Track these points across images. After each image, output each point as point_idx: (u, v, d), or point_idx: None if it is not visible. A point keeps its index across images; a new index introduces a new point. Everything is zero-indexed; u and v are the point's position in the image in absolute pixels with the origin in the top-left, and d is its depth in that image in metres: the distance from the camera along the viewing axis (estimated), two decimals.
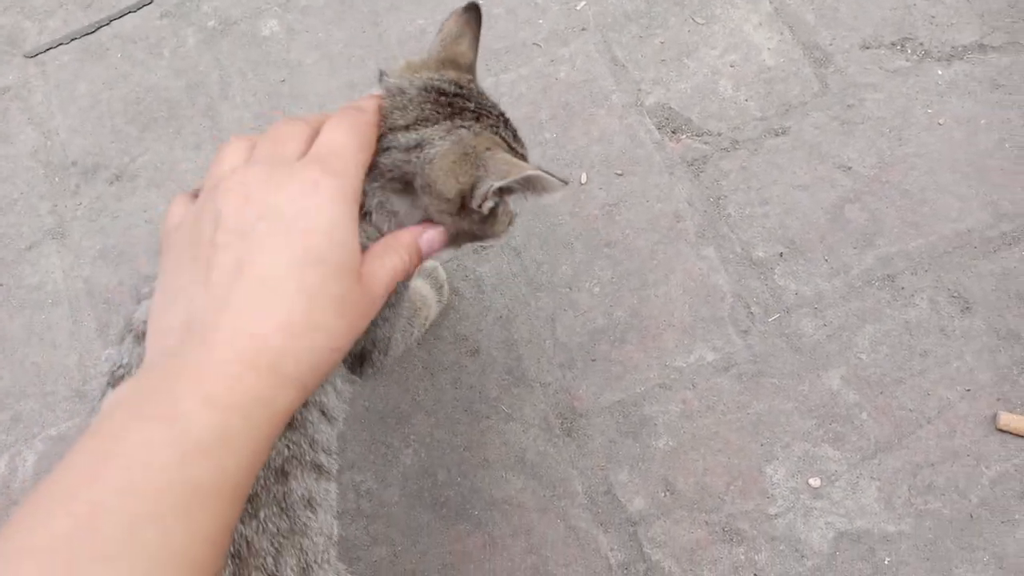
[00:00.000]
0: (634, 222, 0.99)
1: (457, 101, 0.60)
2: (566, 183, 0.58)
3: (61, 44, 1.20)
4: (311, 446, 0.59)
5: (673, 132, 1.04)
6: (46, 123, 1.14)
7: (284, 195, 0.43)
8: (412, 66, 0.64)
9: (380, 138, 0.57)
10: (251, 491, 0.53)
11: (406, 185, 0.57)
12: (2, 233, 1.07)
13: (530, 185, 0.58)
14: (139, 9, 1.21)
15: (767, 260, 0.95)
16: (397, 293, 0.67)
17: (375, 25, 1.15)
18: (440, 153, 0.56)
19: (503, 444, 0.89)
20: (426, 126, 0.57)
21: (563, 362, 0.93)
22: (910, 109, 1.02)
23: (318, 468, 0.60)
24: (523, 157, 0.63)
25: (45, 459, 0.93)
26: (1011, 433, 0.84)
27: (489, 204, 0.58)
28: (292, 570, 0.55)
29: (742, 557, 0.82)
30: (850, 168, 0.99)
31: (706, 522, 0.84)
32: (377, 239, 0.55)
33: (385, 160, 0.56)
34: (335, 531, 0.64)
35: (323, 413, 0.61)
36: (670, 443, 0.88)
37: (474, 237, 0.64)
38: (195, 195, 0.50)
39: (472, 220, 0.60)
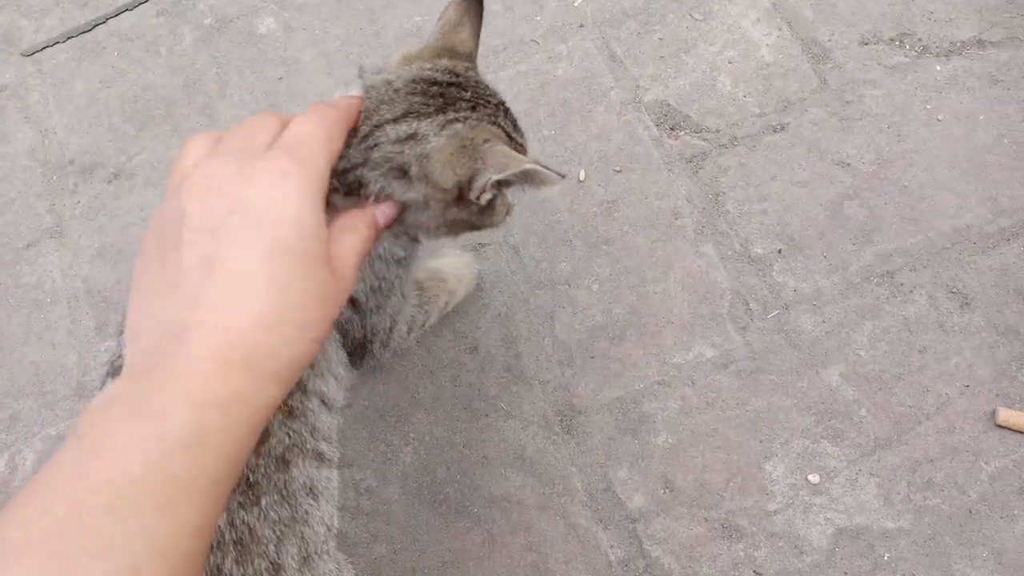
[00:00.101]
0: (633, 219, 0.99)
1: (451, 91, 0.59)
2: (563, 177, 0.58)
3: (58, 43, 1.19)
4: (312, 434, 0.59)
5: (672, 129, 1.04)
6: (43, 122, 1.14)
7: (255, 187, 0.43)
8: (408, 58, 0.63)
9: (367, 135, 0.57)
10: (252, 479, 0.54)
11: (403, 173, 0.57)
12: (0, 232, 1.07)
13: (528, 178, 0.58)
14: (136, 7, 1.20)
15: (766, 257, 0.95)
16: (388, 282, 0.66)
17: (372, 23, 1.15)
18: (436, 148, 0.56)
19: (502, 441, 0.89)
20: (417, 119, 0.57)
21: (562, 359, 0.93)
22: (909, 105, 1.02)
23: (319, 456, 0.60)
24: (522, 147, 0.63)
25: (44, 458, 0.93)
26: (1010, 429, 0.84)
27: (487, 196, 0.59)
28: (293, 559, 0.56)
29: (741, 553, 0.82)
30: (849, 164, 0.99)
31: (705, 519, 0.84)
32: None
33: (376, 155, 0.56)
34: (335, 521, 0.64)
35: (323, 402, 0.61)
36: (669, 440, 0.88)
37: (472, 227, 0.64)
38: None
39: (470, 211, 0.61)
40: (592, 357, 0.92)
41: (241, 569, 0.52)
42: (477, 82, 0.63)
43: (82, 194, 1.08)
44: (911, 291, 0.92)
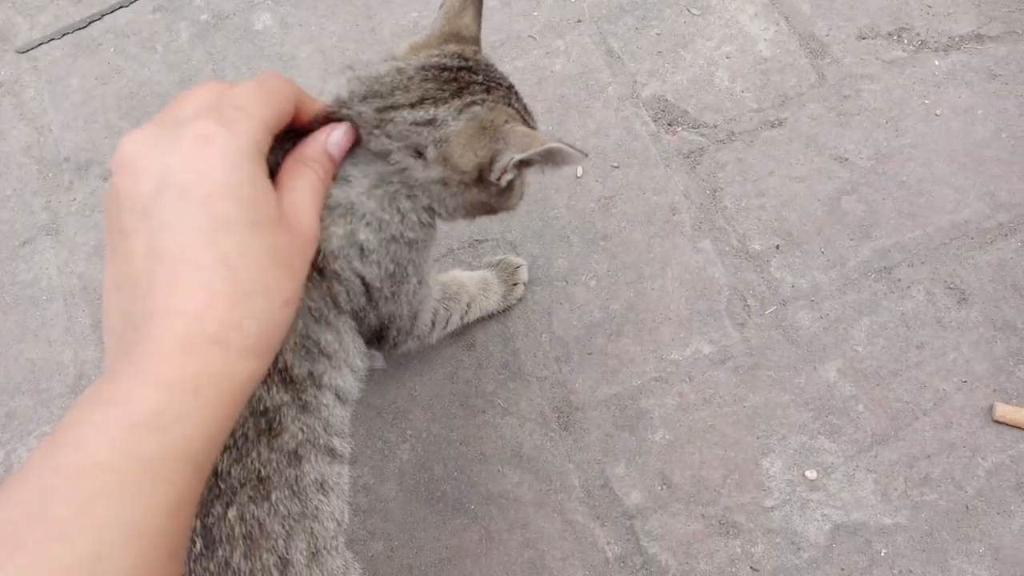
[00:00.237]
0: (630, 215, 0.99)
1: (463, 75, 0.59)
2: (586, 155, 0.58)
3: (53, 39, 1.19)
4: (325, 429, 0.59)
5: (669, 124, 1.04)
6: (39, 119, 1.13)
7: (174, 159, 0.40)
8: (415, 46, 0.63)
9: (382, 110, 0.56)
10: (264, 473, 0.53)
11: (419, 154, 0.57)
12: None
13: (550, 158, 0.58)
14: (131, 3, 1.20)
15: (763, 252, 0.95)
16: (403, 267, 0.64)
17: (368, 19, 1.15)
18: (456, 131, 0.57)
19: (499, 438, 0.89)
20: (434, 105, 0.57)
21: (559, 356, 0.93)
22: (907, 100, 1.01)
23: (331, 452, 0.60)
24: (534, 128, 0.63)
25: None
26: (1007, 424, 0.84)
27: (508, 177, 0.59)
28: (302, 554, 0.56)
29: (738, 550, 0.82)
30: (847, 160, 0.99)
31: (702, 515, 0.84)
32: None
33: (391, 129, 0.56)
34: (345, 517, 0.63)
35: (338, 396, 0.61)
36: (666, 436, 0.88)
37: (488, 209, 0.64)
38: None
39: (489, 192, 0.61)
40: (590, 353, 0.92)
41: (249, 563, 0.52)
42: (487, 65, 0.63)
43: (78, 191, 1.08)
44: (909, 287, 0.91)
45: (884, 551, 0.81)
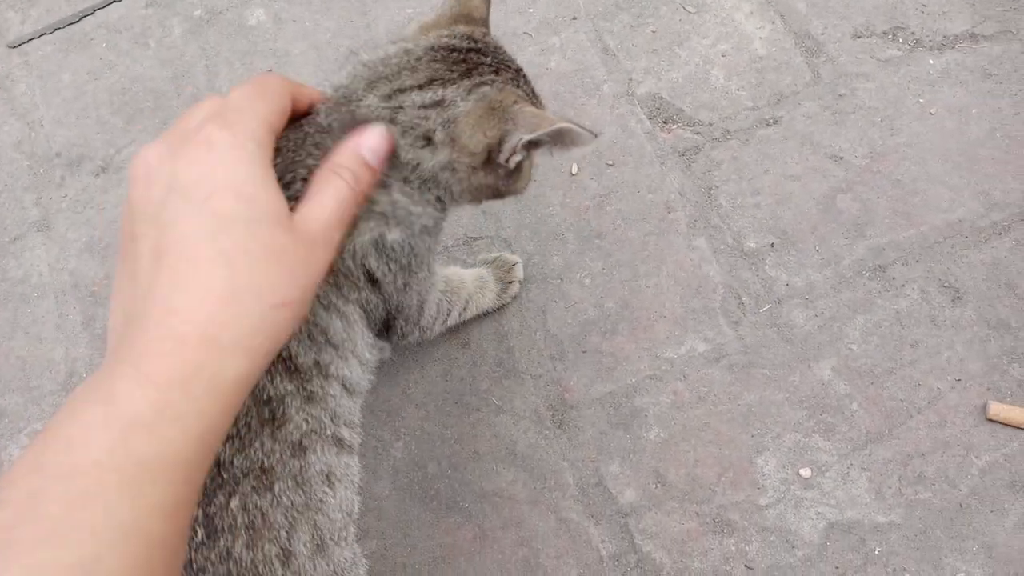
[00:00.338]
0: (625, 213, 0.98)
1: (472, 56, 0.59)
2: (596, 135, 0.58)
3: (44, 34, 1.18)
4: (332, 420, 0.59)
5: (664, 122, 1.04)
6: (30, 114, 1.12)
7: (180, 163, 0.42)
8: (425, 27, 0.63)
9: (389, 96, 0.56)
10: (267, 464, 0.53)
11: (428, 140, 0.57)
12: None
13: (559, 138, 0.58)
14: None
15: (758, 251, 0.95)
16: (418, 257, 0.63)
17: (363, 15, 1.14)
18: (465, 112, 0.56)
19: (494, 436, 0.89)
20: (443, 86, 0.57)
21: (554, 354, 0.92)
22: (902, 99, 1.01)
23: (339, 442, 0.60)
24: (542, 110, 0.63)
25: None
26: (1001, 423, 0.84)
27: (517, 158, 0.58)
28: (305, 546, 0.55)
29: (733, 548, 0.82)
30: (842, 158, 0.99)
31: (697, 513, 0.84)
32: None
33: (402, 117, 0.56)
34: (356, 508, 0.63)
35: (345, 387, 0.60)
36: (661, 434, 0.87)
37: (496, 192, 0.63)
38: None
39: (497, 175, 0.60)
40: (584, 351, 0.92)
41: (251, 553, 0.52)
42: (496, 47, 0.63)
43: (69, 187, 1.07)
44: (903, 285, 0.92)
45: (878, 549, 0.81)
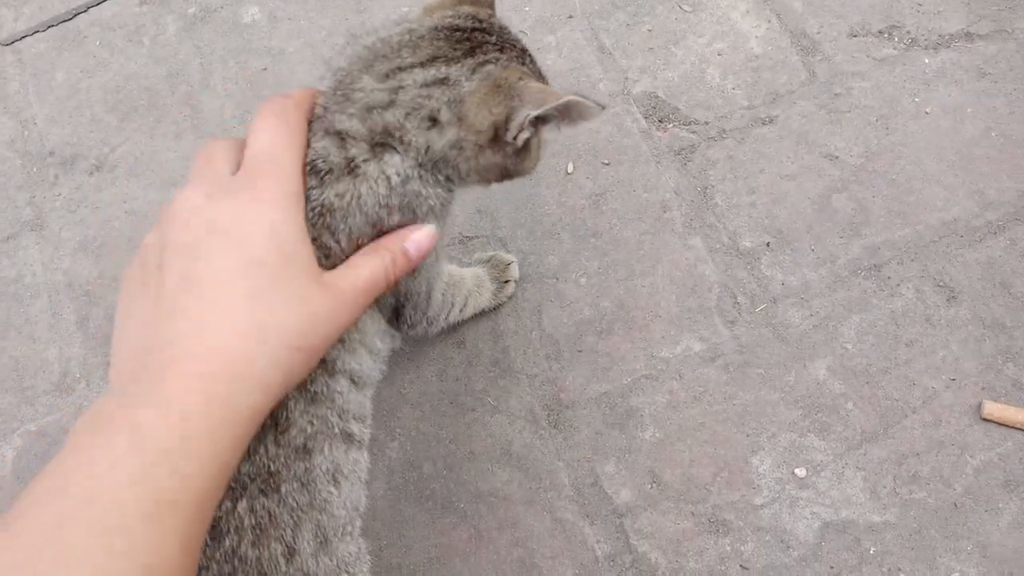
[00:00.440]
0: (621, 212, 0.98)
1: (476, 36, 0.59)
2: (603, 107, 0.57)
3: (37, 31, 1.17)
4: (340, 416, 0.59)
5: (660, 121, 1.03)
6: (23, 112, 1.12)
7: (224, 208, 0.44)
8: (429, 8, 0.63)
9: (387, 75, 0.56)
10: (273, 468, 0.54)
11: (434, 121, 0.56)
12: None
13: (567, 113, 0.57)
14: None
15: (754, 250, 0.95)
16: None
17: (359, 12, 1.14)
18: (470, 91, 0.56)
19: (489, 436, 0.89)
20: (446, 64, 0.56)
21: (549, 353, 0.92)
22: (897, 98, 1.01)
23: (348, 438, 0.60)
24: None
25: (24, 455, 0.92)
26: (995, 422, 0.84)
27: (525, 135, 0.58)
28: (309, 543, 0.56)
29: (728, 548, 0.82)
30: (837, 157, 0.99)
31: (692, 513, 0.84)
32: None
33: (404, 97, 0.55)
34: (363, 501, 0.63)
35: (353, 381, 0.60)
36: (656, 434, 0.87)
37: (505, 173, 0.63)
38: None
39: (505, 153, 0.59)
40: (580, 351, 0.92)
41: (256, 552, 0.53)
42: (501, 27, 0.62)
43: (63, 186, 1.06)
44: (898, 284, 0.92)
45: (873, 549, 0.81)
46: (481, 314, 0.93)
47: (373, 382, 0.64)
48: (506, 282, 0.93)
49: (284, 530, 0.54)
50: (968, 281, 0.91)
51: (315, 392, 0.56)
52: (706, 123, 1.03)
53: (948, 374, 0.87)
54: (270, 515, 0.53)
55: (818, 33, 1.06)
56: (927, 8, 1.06)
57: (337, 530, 0.59)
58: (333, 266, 0.52)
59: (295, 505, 0.55)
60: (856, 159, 0.98)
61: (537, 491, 0.86)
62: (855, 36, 1.06)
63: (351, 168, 0.55)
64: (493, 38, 0.59)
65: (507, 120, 0.56)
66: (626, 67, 1.07)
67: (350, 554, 0.60)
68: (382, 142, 0.56)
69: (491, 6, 0.65)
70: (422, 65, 0.56)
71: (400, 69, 0.56)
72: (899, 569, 0.80)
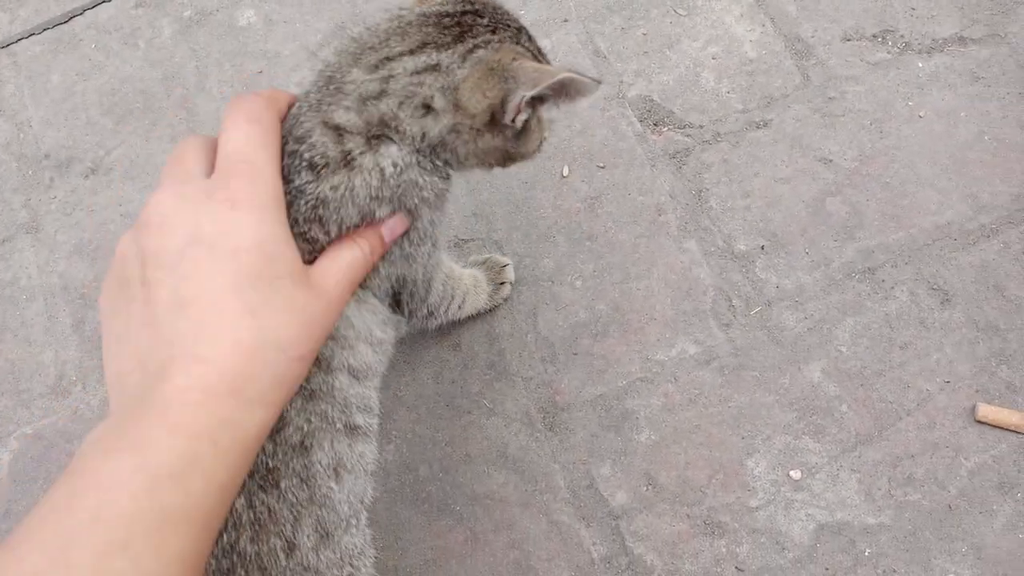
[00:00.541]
0: (616, 215, 0.99)
1: (466, 19, 0.58)
2: (599, 82, 0.57)
3: (33, 34, 1.17)
4: (344, 410, 0.58)
5: (655, 125, 1.04)
6: (18, 115, 1.12)
7: (203, 218, 0.43)
8: None
9: (376, 66, 0.55)
10: (271, 464, 0.54)
11: (428, 108, 0.56)
12: None
13: (563, 90, 0.57)
14: None
15: (749, 253, 0.95)
16: (420, 232, 0.62)
17: (354, 16, 1.14)
18: (463, 78, 0.55)
19: (485, 439, 0.89)
20: (436, 50, 0.56)
21: (545, 356, 0.92)
22: (891, 102, 1.02)
23: (353, 431, 0.59)
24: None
25: (20, 458, 0.91)
26: (989, 424, 0.85)
27: (523, 117, 0.57)
28: (309, 538, 0.56)
29: (723, 550, 0.82)
30: (831, 161, 0.99)
31: (688, 515, 0.84)
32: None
33: (395, 86, 0.55)
34: (368, 493, 0.63)
35: (353, 375, 0.60)
36: (652, 437, 0.88)
37: (506, 157, 0.62)
38: None
39: (504, 136, 0.59)
40: (575, 354, 0.92)
41: (255, 547, 0.53)
42: (495, 7, 0.61)
43: (58, 189, 1.06)
44: (892, 287, 0.92)
45: (868, 551, 0.81)
46: (477, 316, 0.94)
47: (377, 372, 0.64)
48: (502, 284, 0.93)
49: (284, 525, 0.54)
50: (962, 284, 0.91)
51: (312, 389, 0.56)
52: (701, 127, 1.03)
53: (942, 376, 0.88)
54: (269, 511, 0.53)
55: (812, 37, 1.07)
56: (921, 12, 1.07)
57: (339, 524, 0.59)
58: (317, 257, 0.52)
59: (295, 500, 0.55)
60: (850, 163, 0.99)
61: (533, 493, 0.86)
62: (849, 40, 1.06)
63: (347, 161, 0.55)
64: (485, 20, 0.59)
65: (503, 103, 0.56)
66: (621, 71, 1.07)
67: (355, 546, 0.60)
68: (378, 134, 0.55)
69: None
70: (411, 53, 0.56)
71: (389, 59, 0.56)
72: (894, 571, 0.80)
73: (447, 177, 0.62)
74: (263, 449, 0.53)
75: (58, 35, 1.17)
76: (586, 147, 1.02)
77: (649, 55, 1.08)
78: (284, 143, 0.54)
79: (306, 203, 0.53)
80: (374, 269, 0.60)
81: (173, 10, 1.17)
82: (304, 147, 0.54)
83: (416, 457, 0.89)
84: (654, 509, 0.85)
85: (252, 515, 0.53)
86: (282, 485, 0.54)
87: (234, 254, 0.42)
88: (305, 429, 0.56)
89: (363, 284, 0.60)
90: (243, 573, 0.53)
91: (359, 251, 0.52)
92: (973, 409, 0.85)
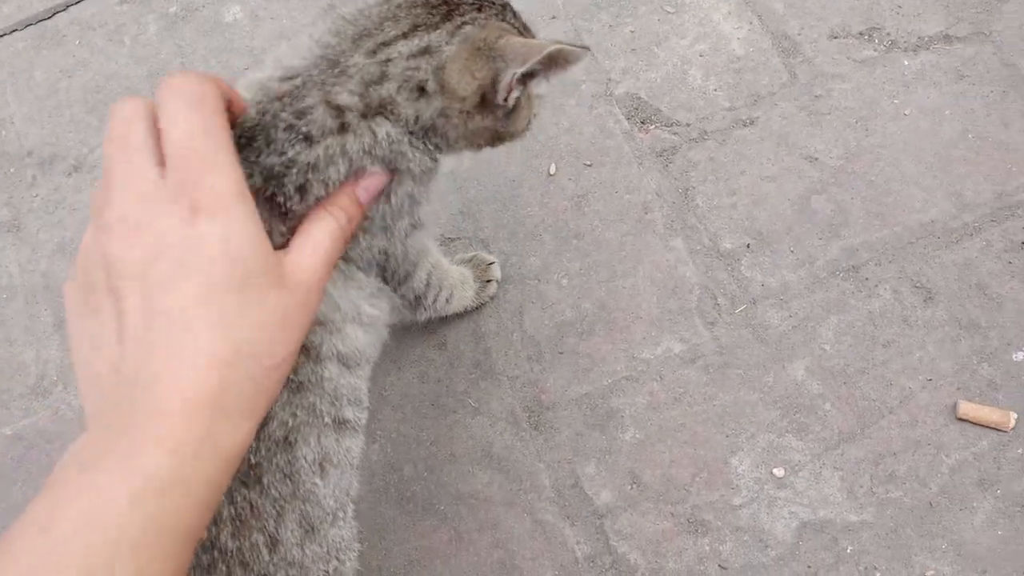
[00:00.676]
0: (603, 213, 0.98)
1: None
2: (587, 48, 0.57)
3: (16, 30, 1.16)
4: (333, 403, 0.58)
5: (642, 122, 1.04)
6: (1, 112, 1.11)
7: (166, 226, 0.40)
8: None
9: (373, 51, 0.55)
10: (253, 460, 0.53)
11: (422, 91, 0.56)
12: None
13: (552, 63, 0.57)
14: None
15: (734, 251, 0.95)
16: (398, 200, 0.60)
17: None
18: (450, 56, 0.55)
19: (470, 438, 0.89)
20: (427, 31, 0.56)
21: (531, 355, 0.92)
22: (877, 100, 1.02)
23: (341, 425, 0.59)
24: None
25: (0, 459, 0.91)
26: (970, 422, 0.85)
27: (515, 94, 0.57)
28: (293, 533, 0.55)
29: (707, 548, 0.83)
30: (817, 159, 0.99)
31: (672, 514, 0.84)
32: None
33: (393, 70, 0.55)
34: (354, 486, 0.62)
35: (343, 364, 0.59)
36: (637, 435, 0.88)
37: (496, 137, 0.62)
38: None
39: (495, 116, 0.59)
40: (561, 352, 0.92)
41: (237, 542, 0.52)
42: None
43: (41, 187, 1.05)
44: (876, 285, 0.92)
45: (850, 548, 0.82)
46: (462, 315, 0.94)
47: (369, 359, 0.63)
48: (488, 282, 0.93)
49: (266, 520, 0.54)
50: (945, 282, 0.92)
51: (300, 381, 0.55)
52: (688, 124, 1.03)
53: (924, 374, 0.88)
54: (251, 506, 0.53)
55: (799, 35, 1.07)
56: (907, 10, 1.07)
57: (325, 518, 0.58)
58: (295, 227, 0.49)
59: (277, 496, 0.55)
60: (836, 160, 0.99)
61: (518, 493, 0.86)
62: (836, 38, 1.06)
63: (342, 128, 0.54)
64: None
65: (494, 83, 0.56)
66: (609, 68, 1.07)
67: (342, 539, 0.60)
68: (376, 113, 0.55)
69: None
70: (404, 36, 0.55)
71: (385, 44, 0.55)
72: (875, 568, 0.80)
73: (435, 160, 0.61)
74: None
75: (41, 31, 1.16)
76: (573, 145, 1.02)
77: (637, 52, 1.08)
78: (278, 119, 0.53)
79: (297, 171, 0.52)
80: (354, 239, 0.58)
81: (158, 6, 1.16)
82: (303, 122, 0.53)
83: (401, 456, 0.89)
84: (638, 508, 0.85)
85: (233, 511, 0.52)
86: (264, 481, 0.54)
87: (200, 264, 0.40)
88: (290, 424, 0.55)
89: (346, 257, 0.59)
90: (224, 568, 0.53)
91: (334, 222, 0.49)
92: (955, 407, 0.86)
